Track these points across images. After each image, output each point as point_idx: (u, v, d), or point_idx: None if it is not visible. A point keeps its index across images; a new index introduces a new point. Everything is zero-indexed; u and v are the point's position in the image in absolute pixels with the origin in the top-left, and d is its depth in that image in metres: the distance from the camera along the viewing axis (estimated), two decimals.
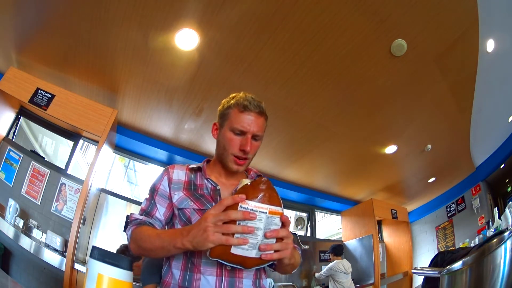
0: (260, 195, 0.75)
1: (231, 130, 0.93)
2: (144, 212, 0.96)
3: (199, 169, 1.01)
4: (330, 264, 3.99)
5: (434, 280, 2.04)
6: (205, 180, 0.97)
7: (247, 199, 0.73)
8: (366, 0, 2.03)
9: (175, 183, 0.97)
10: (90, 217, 2.98)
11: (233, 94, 1.00)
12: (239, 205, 0.72)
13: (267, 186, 0.78)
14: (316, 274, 4.21)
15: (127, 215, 3.21)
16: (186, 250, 0.77)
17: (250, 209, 0.72)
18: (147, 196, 0.99)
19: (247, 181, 0.81)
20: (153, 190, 0.98)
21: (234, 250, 0.73)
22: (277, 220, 0.76)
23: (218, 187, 0.95)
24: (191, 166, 1.02)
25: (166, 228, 0.99)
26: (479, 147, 4.00)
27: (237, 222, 0.71)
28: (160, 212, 0.94)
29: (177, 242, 0.76)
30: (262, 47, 2.36)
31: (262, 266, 0.79)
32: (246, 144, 0.91)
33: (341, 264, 3.91)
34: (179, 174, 0.99)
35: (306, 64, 2.52)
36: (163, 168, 1.03)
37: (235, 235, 0.71)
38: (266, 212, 0.74)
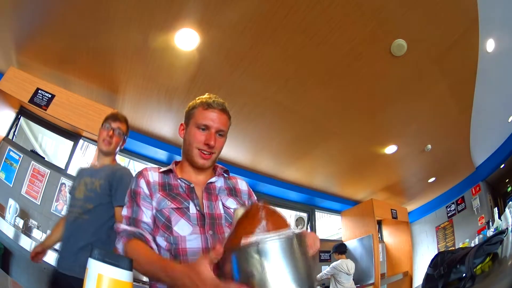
0: (261, 225, 0.62)
1: (196, 126, 0.98)
2: (129, 219, 0.91)
3: (170, 171, 1.01)
4: (335, 263, 3.95)
5: (434, 280, 2.04)
6: (178, 180, 0.98)
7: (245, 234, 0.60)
8: (366, 0, 2.03)
9: (152, 185, 0.96)
10: None
11: (199, 97, 1.05)
12: (241, 241, 0.59)
13: (267, 212, 0.65)
14: (318, 276, 4.12)
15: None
16: None
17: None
18: (127, 203, 0.95)
19: (241, 211, 0.69)
20: (134, 195, 0.94)
21: None
22: None
23: (192, 185, 0.96)
24: (162, 169, 1.02)
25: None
26: (479, 147, 4.00)
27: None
28: (147, 215, 0.91)
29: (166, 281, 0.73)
30: (262, 47, 2.36)
31: None
32: (210, 138, 0.96)
33: (345, 264, 3.88)
34: (153, 175, 0.98)
35: (306, 64, 2.52)
36: (136, 173, 1.01)
37: None
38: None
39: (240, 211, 0.69)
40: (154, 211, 0.92)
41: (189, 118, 1.02)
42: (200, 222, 0.89)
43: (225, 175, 1.08)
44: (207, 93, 1.04)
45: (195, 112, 1.00)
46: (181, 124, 1.06)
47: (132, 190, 0.96)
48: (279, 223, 0.64)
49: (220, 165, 1.09)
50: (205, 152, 0.97)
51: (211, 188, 1.00)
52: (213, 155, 0.99)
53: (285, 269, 0.57)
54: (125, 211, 0.94)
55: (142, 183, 0.95)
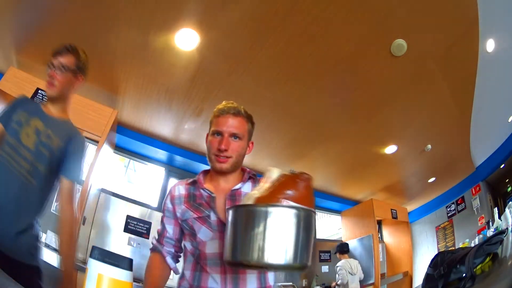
0: (288, 194, 0.66)
1: (212, 134, 1.04)
2: (158, 235, 1.09)
3: (195, 182, 1.08)
4: (339, 263, 3.90)
5: (434, 280, 2.04)
6: (201, 190, 1.04)
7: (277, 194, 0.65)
8: (366, 0, 2.03)
9: (177, 198, 1.06)
10: (90, 217, 2.98)
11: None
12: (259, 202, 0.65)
13: (305, 185, 0.68)
14: (339, 282, 3.89)
15: (127, 215, 3.22)
16: None
17: None
18: (161, 219, 1.11)
19: (276, 172, 0.72)
20: (163, 213, 1.09)
21: None
22: None
23: (213, 195, 1.01)
24: (189, 180, 1.10)
25: (183, 245, 1.08)
26: (479, 147, 3.99)
27: None
28: (170, 232, 1.06)
29: None
30: (262, 47, 2.35)
31: None
32: (221, 143, 0.99)
33: (348, 264, 3.84)
34: (180, 189, 1.08)
35: (306, 64, 2.52)
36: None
37: None
38: None
39: (276, 172, 0.72)
40: (179, 224, 1.05)
41: (210, 128, 1.08)
42: (220, 228, 0.95)
43: (254, 178, 1.10)
44: (224, 101, 1.09)
45: (212, 121, 1.07)
46: (207, 135, 1.11)
47: (162, 207, 1.11)
48: (304, 200, 0.67)
49: (248, 170, 1.12)
50: (220, 157, 1.00)
51: (236, 194, 1.03)
52: (230, 159, 1.01)
53: (283, 239, 0.60)
54: (158, 226, 1.11)
55: (168, 199, 1.08)
